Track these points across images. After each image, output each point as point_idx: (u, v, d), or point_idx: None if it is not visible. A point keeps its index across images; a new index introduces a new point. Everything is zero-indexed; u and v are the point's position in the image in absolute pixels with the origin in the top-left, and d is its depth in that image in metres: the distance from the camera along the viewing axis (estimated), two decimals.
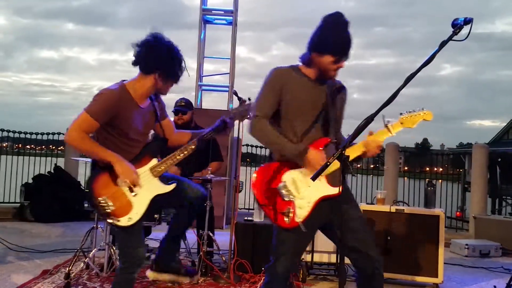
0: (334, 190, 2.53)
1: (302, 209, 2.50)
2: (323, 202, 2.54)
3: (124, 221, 2.60)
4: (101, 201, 2.57)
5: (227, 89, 8.00)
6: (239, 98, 4.48)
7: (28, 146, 10.85)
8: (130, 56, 2.75)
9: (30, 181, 8.10)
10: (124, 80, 2.77)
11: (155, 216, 4.30)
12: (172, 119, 4.75)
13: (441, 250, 4.49)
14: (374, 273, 2.58)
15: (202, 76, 8.04)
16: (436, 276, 4.46)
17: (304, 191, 2.52)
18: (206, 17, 8.07)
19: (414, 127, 2.64)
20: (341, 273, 2.26)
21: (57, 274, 4.39)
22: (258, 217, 4.88)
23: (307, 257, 4.67)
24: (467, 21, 2.25)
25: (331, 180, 2.55)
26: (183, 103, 5.02)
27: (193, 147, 2.89)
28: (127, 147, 2.74)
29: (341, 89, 2.77)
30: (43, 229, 6.94)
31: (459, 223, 9.31)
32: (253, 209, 5.17)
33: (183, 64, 2.82)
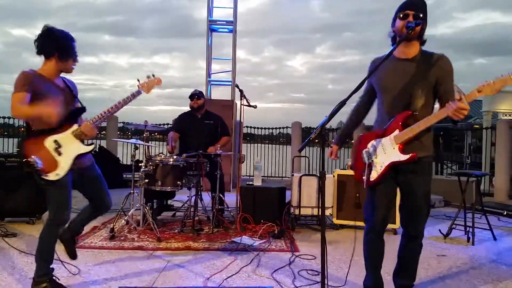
0: (405, 157, 2.34)
1: (375, 171, 2.41)
2: (397, 167, 2.38)
3: (52, 176, 2.50)
4: (31, 160, 2.45)
5: (230, 83, 7.97)
6: (240, 90, 4.49)
7: None
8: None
9: None
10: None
11: (178, 183, 4.31)
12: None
13: (397, 202, 4.50)
14: (412, 238, 2.56)
15: (211, 74, 7.97)
16: (394, 222, 4.51)
17: (380, 157, 2.41)
18: (212, 27, 7.98)
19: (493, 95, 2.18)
20: (322, 223, 2.23)
21: (104, 229, 4.42)
22: (257, 182, 4.91)
23: (295, 211, 4.71)
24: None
25: (405, 148, 2.35)
26: (197, 91, 5.00)
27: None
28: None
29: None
30: None
31: None
32: (253, 176, 5.15)
33: (74, 44, 2.67)
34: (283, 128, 9.03)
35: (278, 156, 9.40)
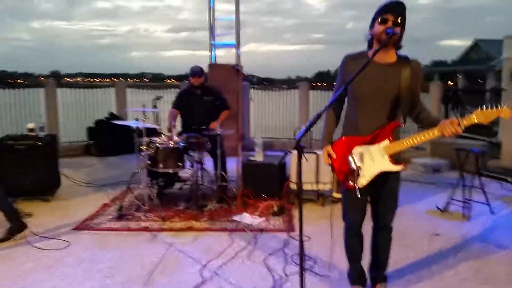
0: (395, 167, 2.41)
1: (363, 178, 2.43)
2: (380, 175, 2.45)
3: None
4: None
5: (234, 45, 7.78)
6: (237, 69, 4.46)
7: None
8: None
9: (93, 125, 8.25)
10: None
11: (179, 164, 4.45)
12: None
13: None
14: (380, 230, 2.69)
15: (215, 36, 7.79)
16: None
17: (368, 164, 2.42)
18: None
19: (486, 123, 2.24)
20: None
21: (113, 206, 4.65)
22: (259, 157, 5.01)
23: (295, 186, 4.81)
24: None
25: (394, 159, 2.41)
26: (198, 69, 4.99)
27: None
28: None
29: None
30: (103, 163, 7.21)
31: None
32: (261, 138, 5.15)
33: None
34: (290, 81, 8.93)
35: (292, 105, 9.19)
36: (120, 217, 4.29)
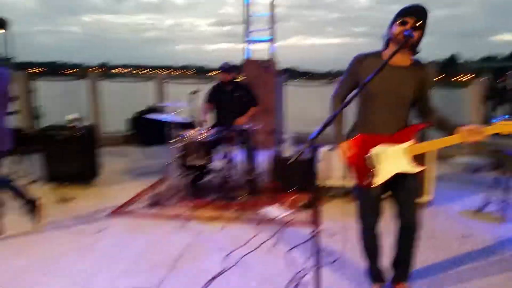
0: (416, 169, 2.41)
1: (380, 177, 2.44)
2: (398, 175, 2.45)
3: None
4: None
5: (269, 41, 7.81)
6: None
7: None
8: None
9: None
10: None
11: (207, 157, 4.58)
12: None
13: (431, 172, 4.44)
14: (405, 229, 2.63)
15: (249, 32, 7.84)
16: (427, 194, 4.47)
17: (387, 164, 2.42)
18: None
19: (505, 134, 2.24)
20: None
21: (148, 194, 4.83)
22: (289, 152, 5.03)
23: (325, 182, 4.80)
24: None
25: (416, 160, 2.40)
26: (226, 66, 5.05)
27: None
28: None
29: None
30: (142, 153, 7.46)
31: None
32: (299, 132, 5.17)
33: None
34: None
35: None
36: (153, 204, 4.46)
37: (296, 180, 4.78)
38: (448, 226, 4.00)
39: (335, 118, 2.13)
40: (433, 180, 4.46)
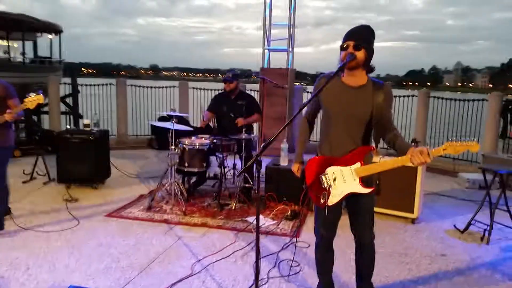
0: (365, 190, 2.48)
1: (334, 197, 2.51)
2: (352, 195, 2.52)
3: None
4: None
5: (286, 50, 7.97)
6: (262, 79, 4.65)
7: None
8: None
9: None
10: None
11: (204, 164, 4.83)
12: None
13: (417, 192, 4.43)
14: (362, 245, 2.72)
15: (270, 40, 8.05)
16: (412, 212, 4.49)
17: (340, 184, 2.50)
18: None
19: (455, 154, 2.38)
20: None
21: (148, 198, 5.13)
22: (283, 162, 5.17)
23: None
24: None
25: (365, 181, 2.48)
26: (230, 75, 5.28)
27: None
28: None
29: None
30: (159, 156, 7.77)
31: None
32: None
33: None
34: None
35: None
36: (149, 208, 4.74)
37: (289, 190, 4.92)
38: (425, 244, 4.01)
39: (277, 136, 2.26)
40: (419, 196, 4.45)
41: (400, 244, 3.99)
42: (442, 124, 7.98)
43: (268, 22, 7.94)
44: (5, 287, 3.03)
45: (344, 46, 2.38)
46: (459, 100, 7.49)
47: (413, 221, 4.53)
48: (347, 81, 2.47)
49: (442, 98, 7.74)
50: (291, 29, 7.86)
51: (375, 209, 2.76)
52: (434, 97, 7.86)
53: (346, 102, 2.45)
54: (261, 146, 2.31)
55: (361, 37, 2.36)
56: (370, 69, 2.45)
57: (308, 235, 4.07)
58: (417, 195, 4.44)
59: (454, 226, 4.39)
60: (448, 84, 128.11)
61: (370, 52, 2.39)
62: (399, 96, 8.07)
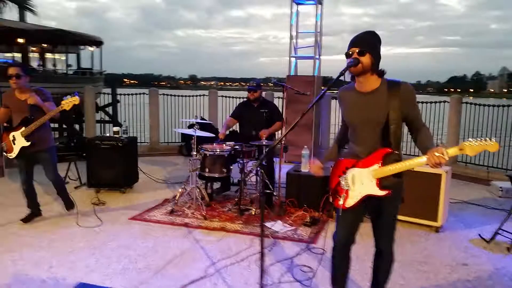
0: (381, 192, 2.42)
1: (351, 199, 2.50)
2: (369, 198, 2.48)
3: (11, 155, 4.25)
4: (2, 145, 4.27)
5: (312, 58, 7.96)
6: (282, 84, 4.70)
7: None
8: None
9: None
10: None
11: (224, 170, 4.89)
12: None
13: (441, 200, 4.29)
14: (381, 253, 2.68)
15: (296, 48, 8.08)
16: (436, 220, 4.35)
17: (358, 186, 2.49)
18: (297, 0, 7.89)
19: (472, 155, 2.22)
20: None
21: (171, 203, 5.25)
22: (304, 168, 5.15)
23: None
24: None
25: (382, 184, 2.42)
26: (254, 84, 5.36)
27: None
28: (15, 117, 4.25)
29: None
30: (187, 163, 7.88)
31: None
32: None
33: None
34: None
35: None
36: (171, 212, 4.86)
37: (310, 196, 4.90)
38: (447, 253, 3.87)
39: (289, 131, 2.31)
40: (444, 205, 4.31)
41: (421, 252, 3.87)
42: (480, 131, 7.61)
43: (295, 30, 7.97)
44: (28, 284, 3.20)
45: (350, 53, 2.38)
46: (503, 106, 7.04)
47: (437, 229, 4.38)
48: (359, 87, 2.47)
49: (481, 105, 7.38)
50: (318, 37, 7.86)
51: (398, 216, 2.69)
52: (466, 103, 7.57)
53: (359, 108, 2.45)
54: (281, 150, 2.34)
55: (365, 43, 2.35)
56: (381, 73, 2.42)
57: (325, 241, 4.04)
58: (441, 203, 4.30)
59: (479, 235, 4.21)
60: (492, 90, 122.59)
61: (376, 57, 2.37)
62: (428, 102, 7.83)
